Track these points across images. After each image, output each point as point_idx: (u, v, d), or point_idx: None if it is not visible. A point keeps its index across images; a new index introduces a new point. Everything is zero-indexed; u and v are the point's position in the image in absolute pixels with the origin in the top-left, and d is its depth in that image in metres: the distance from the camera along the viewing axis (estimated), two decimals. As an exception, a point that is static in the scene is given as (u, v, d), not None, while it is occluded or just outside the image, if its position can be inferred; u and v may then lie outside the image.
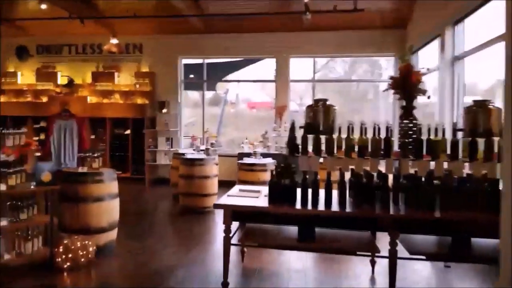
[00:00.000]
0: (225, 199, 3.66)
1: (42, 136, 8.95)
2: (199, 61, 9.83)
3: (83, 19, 8.26)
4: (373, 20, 8.24)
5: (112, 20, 8.74)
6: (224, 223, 3.48)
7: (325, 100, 3.81)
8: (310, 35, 8.84)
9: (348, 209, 3.32)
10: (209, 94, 10.31)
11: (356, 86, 10.58)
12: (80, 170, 4.61)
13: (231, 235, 3.55)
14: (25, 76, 10.00)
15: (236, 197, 3.73)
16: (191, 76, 10.03)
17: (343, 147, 3.56)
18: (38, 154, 6.05)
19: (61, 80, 9.73)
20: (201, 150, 7.17)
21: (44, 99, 9.52)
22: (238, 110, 11.00)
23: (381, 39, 8.56)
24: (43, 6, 7.89)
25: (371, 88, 10.30)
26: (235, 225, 3.69)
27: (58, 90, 9.57)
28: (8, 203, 4.15)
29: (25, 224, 4.15)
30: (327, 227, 3.52)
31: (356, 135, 3.53)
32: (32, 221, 4.18)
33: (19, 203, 4.14)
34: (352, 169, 3.54)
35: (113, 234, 4.59)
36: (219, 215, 5.49)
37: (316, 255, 4.40)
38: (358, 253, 3.61)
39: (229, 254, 3.52)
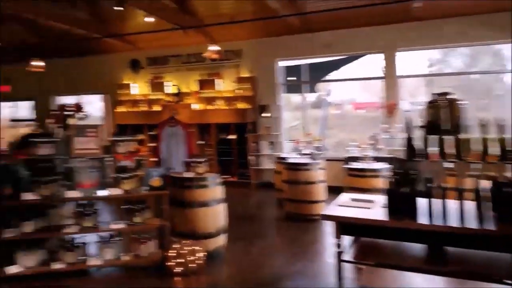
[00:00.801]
0: (334, 210, 3.35)
1: (155, 143, 9.69)
2: (299, 62, 9.63)
3: (185, 29, 8.71)
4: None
5: (211, 28, 9.06)
6: (334, 236, 3.18)
7: (449, 93, 3.26)
8: (421, 25, 7.98)
9: (489, 225, 2.74)
10: (311, 96, 10.05)
11: (478, 80, 9.26)
12: (186, 175, 4.74)
13: (342, 249, 3.22)
14: (139, 87, 10.97)
15: (347, 207, 3.39)
16: (291, 78, 9.89)
17: (475, 149, 2.99)
18: (150, 159, 6.51)
19: (170, 89, 10.43)
20: (305, 154, 6.93)
21: (157, 108, 10.30)
22: (343, 111, 10.51)
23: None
24: (149, 19, 8.50)
25: (495, 81, 8.90)
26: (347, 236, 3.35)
27: (167, 99, 10.28)
28: (124, 206, 4.46)
29: (139, 227, 4.39)
30: (459, 247, 2.97)
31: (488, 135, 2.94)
32: (145, 224, 4.41)
33: (134, 207, 4.40)
34: (492, 176, 2.94)
35: (221, 240, 4.61)
36: (327, 223, 5.17)
37: (446, 278, 3.78)
38: (506, 281, 2.90)
39: (341, 271, 3.19)
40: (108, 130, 10.91)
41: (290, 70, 9.86)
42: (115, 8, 7.69)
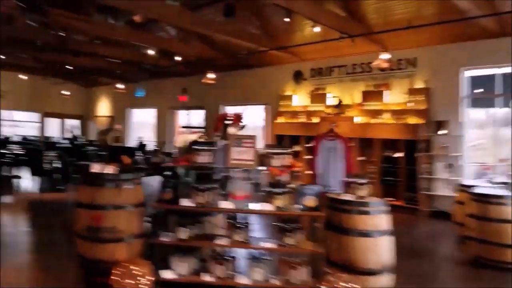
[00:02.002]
0: None
1: (310, 155, 9.40)
2: (490, 71, 7.96)
3: (353, 38, 8.18)
4: None
5: (382, 35, 8.27)
6: None
7: None
8: None
9: None
10: (504, 112, 8.19)
11: None
12: (344, 197, 4.15)
13: None
14: (299, 98, 10.91)
15: None
16: (478, 90, 8.26)
17: None
18: (306, 172, 6.15)
19: (332, 100, 10.03)
20: (498, 183, 5.50)
21: (315, 120, 10.02)
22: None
23: None
24: (317, 29, 8.27)
25: None
26: None
27: (328, 111, 9.89)
28: (275, 224, 4.16)
29: (291, 249, 4.02)
30: None
31: None
32: (297, 247, 4.01)
33: (285, 226, 4.06)
34: None
35: (384, 280, 3.84)
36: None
37: None
38: None
39: None
40: (267, 140, 11.17)
41: (478, 81, 8.24)
42: (285, 19, 7.72)
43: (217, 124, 4.40)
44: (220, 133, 4.39)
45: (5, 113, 18.36)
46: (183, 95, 14.46)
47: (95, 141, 13.21)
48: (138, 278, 3.60)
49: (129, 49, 12.03)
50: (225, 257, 4.10)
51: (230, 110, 11.96)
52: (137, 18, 9.62)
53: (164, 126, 15.55)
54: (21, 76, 16.44)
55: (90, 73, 16.24)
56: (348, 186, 4.21)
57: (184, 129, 13.61)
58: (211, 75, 10.77)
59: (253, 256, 4.11)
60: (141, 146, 13.24)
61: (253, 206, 3.95)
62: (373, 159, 8.96)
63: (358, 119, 9.32)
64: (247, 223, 4.13)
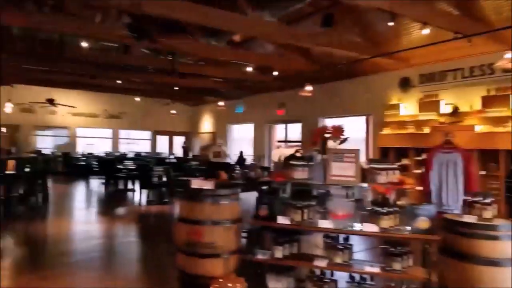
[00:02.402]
0: None
1: (422, 169, 8.56)
2: None
3: (470, 37, 7.31)
4: None
5: (506, 32, 7.23)
6: None
7: None
8: None
9: None
10: None
11: None
12: (466, 218, 3.60)
13: None
14: (407, 107, 10.12)
15: None
16: None
17: None
18: (417, 188, 5.56)
19: (445, 108, 9.09)
20: None
21: (426, 130, 9.16)
22: None
23: None
24: (426, 31, 7.60)
25: None
26: None
27: (441, 120, 8.97)
28: (381, 247, 3.80)
29: (399, 276, 3.62)
30: None
31: None
32: (406, 273, 3.60)
33: (392, 249, 3.68)
34: None
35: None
36: None
37: None
38: None
39: None
40: (369, 154, 10.56)
41: None
42: (388, 24, 7.26)
43: (315, 138, 4.23)
44: (319, 147, 4.20)
45: (123, 132, 20.73)
46: (281, 109, 14.60)
47: (198, 156, 14.08)
48: (235, 295, 3.58)
49: (230, 67, 12.60)
50: (324, 280, 3.86)
51: (329, 122, 11.66)
52: (236, 38, 10.02)
53: (261, 141, 15.85)
54: (135, 98, 18.40)
55: (195, 92, 17.42)
56: (470, 206, 3.65)
57: (281, 143, 13.68)
58: (308, 88, 10.67)
59: (354, 280, 3.81)
60: (241, 161, 13.64)
61: (357, 226, 3.65)
62: (496, 173, 7.82)
63: (478, 128, 8.26)
64: (349, 244, 3.85)
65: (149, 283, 4.61)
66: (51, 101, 16.83)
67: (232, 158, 15.68)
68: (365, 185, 3.80)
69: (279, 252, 3.81)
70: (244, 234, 4.26)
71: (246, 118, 16.85)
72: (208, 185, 3.99)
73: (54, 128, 19.10)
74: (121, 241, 6.70)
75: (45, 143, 19.00)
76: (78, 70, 12.89)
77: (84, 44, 9.35)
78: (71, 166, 17.49)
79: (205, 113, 20.94)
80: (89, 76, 13.23)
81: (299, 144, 12.58)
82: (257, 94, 15.82)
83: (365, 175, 3.83)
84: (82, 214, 9.51)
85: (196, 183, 4.02)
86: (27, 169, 9.21)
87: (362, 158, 4.08)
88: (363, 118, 11.44)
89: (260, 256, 3.84)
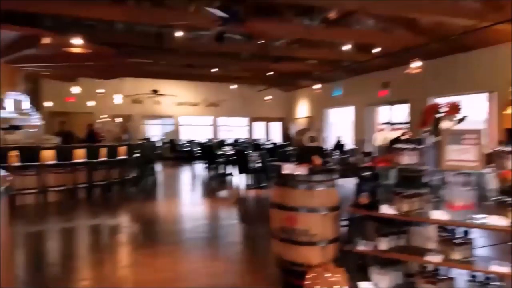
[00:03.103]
0: None
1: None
2: None
3: None
4: None
5: None
6: None
7: None
8: None
9: None
10: None
11: None
12: None
13: None
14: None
15: None
16: None
17: None
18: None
19: None
20: None
21: None
22: None
23: None
24: None
25: None
26: None
27: None
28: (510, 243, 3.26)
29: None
30: None
31: None
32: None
33: (526, 249, 3.13)
34: None
35: None
36: None
37: None
38: None
39: None
40: (493, 136, 9.34)
41: None
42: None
43: (425, 118, 3.76)
44: (430, 129, 3.74)
45: (222, 119, 21.64)
46: (384, 90, 13.72)
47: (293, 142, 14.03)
48: (332, 285, 3.41)
49: (325, 48, 12.19)
50: (439, 276, 3.46)
51: (442, 101, 10.59)
52: (331, 15, 9.59)
53: (362, 124, 15.15)
54: (231, 86, 18.99)
55: (290, 77, 17.32)
56: None
57: (385, 126, 12.88)
58: (416, 64, 9.78)
59: (476, 279, 3.34)
60: (339, 146, 13.22)
61: (479, 219, 3.18)
62: None
63: None
64: (469, 239, 3.38)
65: (249, 266, 4.68)
66: (155, 92, 18.26)
67: (329, 143, 15.31)
68: (489, 171, 3.28)
69: (383, 244, 3.51)
70: (344, 223, 4.04)
71: (345, 101, 16.25)
72: (300, 170, 3.83)
73: (160, 118, 20.72)
74: (223, 223, 6.98)
75: (154, 131, 20.75)
76: (176, 61, 13.70)
77: (179, 34, 9.81)
78: (176, 152, 18.88)
79: (300, 98, 20.77)
80: (186, 66, 13.95)
81: (406, 126, 11.69)
82: (356, 75, 15.10)
83: (488, 159, 3.30)
84: (186, 196, 10.17)
85: (288, 168, 3.89)
86: (136, 155, 10.10)
87: (485, 140, 3.53)
88: (483, 97, 10.14)
89: (362, 247, 3.58)
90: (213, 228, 6.62)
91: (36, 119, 10.83)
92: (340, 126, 17.34)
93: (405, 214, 3.40)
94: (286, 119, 22.14)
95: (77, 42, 7.85)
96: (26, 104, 10.57)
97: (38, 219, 6.87)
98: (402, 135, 4.60)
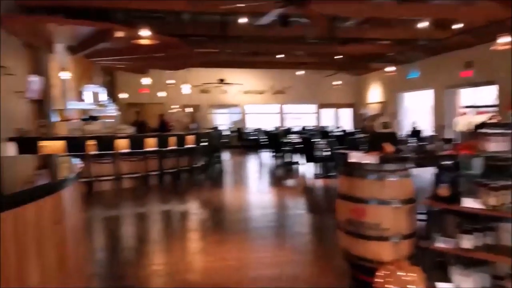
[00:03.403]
0: None
1: None
2: None
3: None
4: None
5: None
6: None
7: None
8: None
9: None
10: None
11: None
12: None
13: None
14: None
15: None
16: None
17: None
18: None
19: None
20: None
21: None
22: None
23: None
24: None
25: None
26: None
27: None
28: None
29: None
30: None
31: None
32: None
33: None
34: None
35: None
36: None
37: None
38: None
39: None
40: None
41: None
42: None
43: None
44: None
45: (288, 107, 21.45)
46: (467, 70, 12.60)
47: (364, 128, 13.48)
48: (407, 284, 3.16)
49: (398, 27, 11.44)
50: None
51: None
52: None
53: (442, 109, 14.10)
54: (297, 72, 18.67)
55: (359, 60, 16.61)
56: None
57: (468, 110, 11.84)
58: (504, 40, 8.78)
59: None
60: (415, 132, 12.44)
61: None
62: None
63: None
64: None
65: (315, 257, 4.57)
66: (222, 81, 18.58)
67: (404, 130, 14.49)
68: None
69: (467, 242, 3.16)
70: (421, 217, 3.73)
71: (422, 84, 15.22)
72: (369, 159, 3.58)
73: (227, 107, 21.08)
74: (290, 213, 6.90)
75: (221, 120, 21.20)
76: (241, 48, 13.74)
77: (243, 20, 9.78)
78: (243, 140, 19.14)
79: (371, 82, 19.88)
80: (252, 53, 13.92)
81: (494, 109, 10.63)
82: (434, 55, 14.02)
83: None
84: (253, 184, 10.25)
85: (355, 156, 3.66)
86: (204, 143, 10.35)
87: None
88: None
89: (441, 244, 3.27)
90: (279, 217, 6.57)
91: (112, 110, 11.54)
92: (416, 111, 16.32)
93: (493, 208, 3.04)
94: (357, 105, 21.37)
95: (145, 33, 8.14)
96: (103, 96, 11.29)
97: (114, 205, 7.34)
98: (490, 119, 4.13)
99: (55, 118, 9.44)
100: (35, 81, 8.86)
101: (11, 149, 7.12)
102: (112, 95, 16.79)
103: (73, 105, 9.74)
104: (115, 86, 17.79)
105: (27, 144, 7.17)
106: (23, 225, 1.61)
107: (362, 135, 10.58)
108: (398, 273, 3.21)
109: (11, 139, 7.21)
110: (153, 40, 8.72)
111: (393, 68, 14.41)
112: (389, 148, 3.76)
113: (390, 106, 17.53)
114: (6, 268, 1.50)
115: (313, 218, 6.46)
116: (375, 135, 4.76)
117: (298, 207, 7.33)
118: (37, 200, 1.69)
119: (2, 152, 6.82)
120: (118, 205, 7.31)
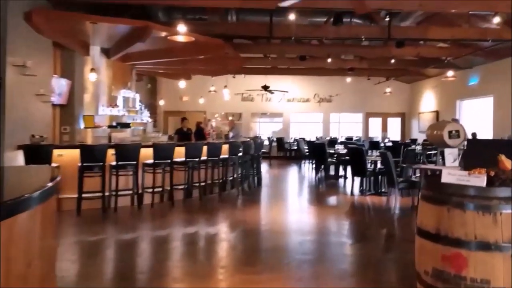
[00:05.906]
0: None
1: None
2: None
3: None
4: None
5: None
6: None
7: None
8: None
9: None
10: None
11: None
12: None
13: None
14: None
15: None
16: None
17: None
18: None
19: None
20: None
21: None
22: None
23: None
24: None
25: None
26: None
27: None
28: None
29: None
30: None
31: None
32: None
33: None
34: None
35: None
36: None
37: None
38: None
39: None
40: None
41: None
42: None
43: None
44: None
45: (334, 116, 19.91)
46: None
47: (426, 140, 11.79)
48: None
49: (462, 25, 9.77)
50: None
51: None
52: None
53: (504, 118, 12.09)
54: (346, 79, 17.12)
55: (413, 65, 14.90)
56: None
57: None
58: None
59: None
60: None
61: None
62: None
63: None
64: None
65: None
66: (266, 88, 17.39)
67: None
68: None
69: None
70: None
71: (480, 91, 13.30)
72: (473, 180, 2.23)
73: (270, 115, 19.91)
74: (333, 241, 5.51)
75: (263, 129, 20.07)
76: (288, 51, 12.61)
77: (292, 17, 8.66)
78: (284, 151, 17.85)
79: (425, 90, 17.98)
80: (298, 58, 12.69)
81: None
82: (498, 59, 12.09)
83: None
84: (292, 201, 8.96)
85: (451, 175, 2.32)
86: (241, 154, 9.21)
87: None
88: None
89: None
90: (320, 246, 5.19)
91: (145, 117, 10.71)
92: (474, 120, 14.31)
93: None
94: (408, 114, 19.45)
95: (183, 30, 7.12)
96: (136, 102, 10.49)
97: (129, 226, 6.17)
98: None
99: (82, 124, 8.63)
100: (62, 84, 8.15)
101: (16, 159, 6.20)
102: (152, 102, 16.20)
103: (105, 111, 8.93)
104: (156, 93, 17.21)
105: (38, 153, 6.21)
106: None
107: (427, 146, 9.01)
108: None
109: (19, 147, 6.24)
110: (191, 37, 7.63)
111: (452, 73, 12.61)
112: (507, 163, 2.36)
113: (447, 115, 15.57)
114: None
115: (363, 250, 5.04)
116: (475, 143, 3.36)
117: (343, 233, 5.95)
118: None
119: (7, 162, 5.91)
120: (133, 227, 6.12)
